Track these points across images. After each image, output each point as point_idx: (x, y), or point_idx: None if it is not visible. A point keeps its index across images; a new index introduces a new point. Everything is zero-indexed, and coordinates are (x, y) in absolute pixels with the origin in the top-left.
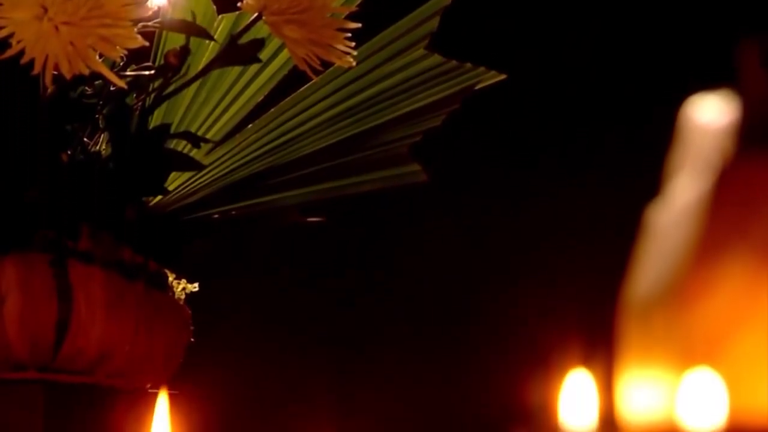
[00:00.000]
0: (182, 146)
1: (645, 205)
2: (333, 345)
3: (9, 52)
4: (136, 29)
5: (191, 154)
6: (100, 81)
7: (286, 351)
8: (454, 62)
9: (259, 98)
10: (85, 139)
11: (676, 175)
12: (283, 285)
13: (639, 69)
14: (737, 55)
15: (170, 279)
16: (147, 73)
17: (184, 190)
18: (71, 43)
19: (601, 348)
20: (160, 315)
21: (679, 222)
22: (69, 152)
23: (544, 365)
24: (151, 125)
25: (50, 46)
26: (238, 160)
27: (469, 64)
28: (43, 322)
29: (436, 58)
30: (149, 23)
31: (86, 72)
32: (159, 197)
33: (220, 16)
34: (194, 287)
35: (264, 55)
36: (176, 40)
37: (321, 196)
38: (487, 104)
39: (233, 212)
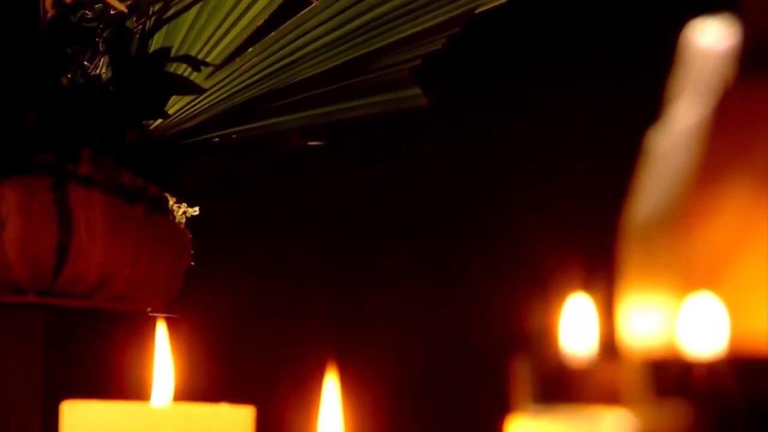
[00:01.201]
0: (182, 70)
1: (645, 129)
2: (332, 269)
3: None
4: None
5: (191, 77)
6: (101, 5)
7: (286, 275)
8: None
9: (259, 22)
10: (86, 63)
11: (676, 100)
12: (283, 208)
13: None
14: None
15: (171, 203)
16: None
17: (185, 114)
18: None
19: (601, 272)
20: (161, 239)
21: (680, 146)
22: (69, 76)
23: (544, 289)
24: (151, 49)
25: None
26: (239, 84)
27: None
28: (43, 245)
29: None
30: None
31: None
32: (159, 121)
33: None
34: (195, 211)
35: None
36: None
37: (321, 120)
38: (487, 22)
39: (233, 136)
